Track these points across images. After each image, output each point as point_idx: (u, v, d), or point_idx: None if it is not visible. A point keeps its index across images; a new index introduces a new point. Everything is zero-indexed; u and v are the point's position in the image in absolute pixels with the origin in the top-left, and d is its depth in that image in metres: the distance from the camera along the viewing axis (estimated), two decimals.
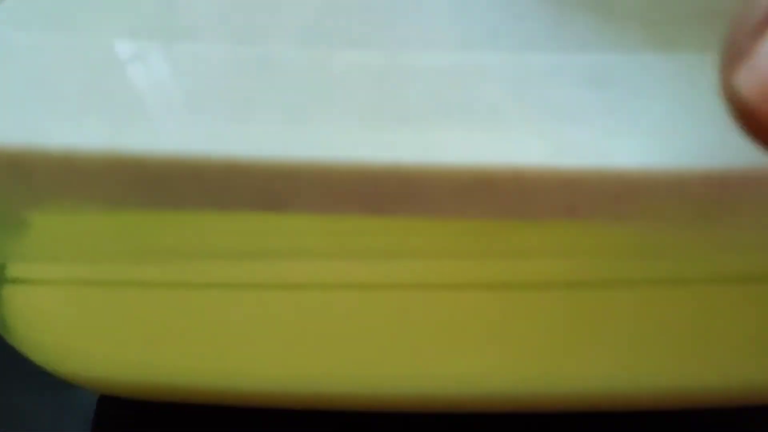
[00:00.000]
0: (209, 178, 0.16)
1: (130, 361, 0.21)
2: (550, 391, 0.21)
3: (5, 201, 0.17)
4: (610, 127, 0.17)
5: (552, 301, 0.19)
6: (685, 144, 0.17)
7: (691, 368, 0.20)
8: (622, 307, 0.20)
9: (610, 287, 0.19)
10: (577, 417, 0.23)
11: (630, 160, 0.16)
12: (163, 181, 0.16)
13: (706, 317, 0.20)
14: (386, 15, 0.20)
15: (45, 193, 0.16)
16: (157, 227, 0.18)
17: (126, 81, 0.17)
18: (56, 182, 0.16)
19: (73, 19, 0.19)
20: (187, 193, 0.16)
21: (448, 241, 0.18)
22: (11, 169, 0.16)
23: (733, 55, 0.14)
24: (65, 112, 0.16)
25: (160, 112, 0.17)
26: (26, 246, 0.18)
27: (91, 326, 0.21)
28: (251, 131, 0.16)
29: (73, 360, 0.22)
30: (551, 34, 0.20)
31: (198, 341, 0.21)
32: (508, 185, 0.16)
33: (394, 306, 0.20)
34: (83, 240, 0.18)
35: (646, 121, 0.17)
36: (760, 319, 0.19)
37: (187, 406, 0.23)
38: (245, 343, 0.21)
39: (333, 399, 0.22)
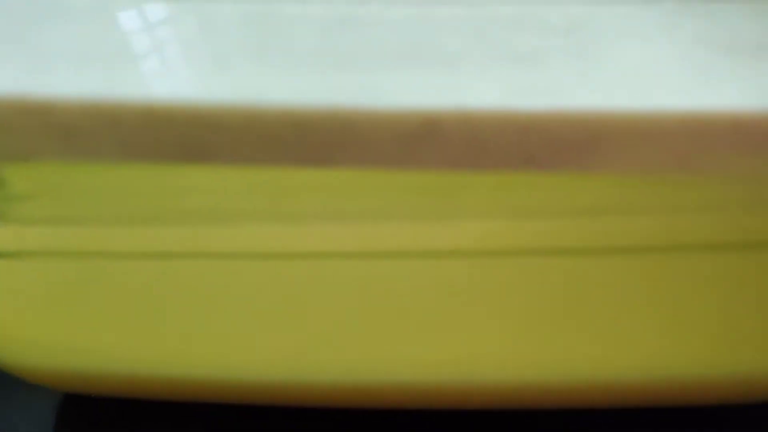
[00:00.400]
0: (126, 125, 0.14)
1: (97, 349, 0.19)
2: (536, 379, 0.19)
3: None
4: (574, 70, 0.15)
5: (523, 271, 0.17)
6: (659, 86, 0.15)
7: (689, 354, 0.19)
8: (605, 277, 0.18)
9: (588, 254, 0.17)
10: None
11: (597, 102, 0.15)
12: (76, 129, 0.14)
13: (701, 289, 0.18)
14: None
15: None
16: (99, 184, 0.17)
17: (39, 29, 0.16)
18: None
19: None
20: (103, 142, 0.14)
21: (400, 200, 0.16)
22: None
23: None
24: None
25: (72, 60, 0.15)
26: None
27: (52, 306, 0.19)
28: (173, 76, 0.15)
29: (32, 350, 0.20)
30: None
31: (167, 320, 0.19)
32: (456, 131, 0.14)
33: (350, 277, 0.18)
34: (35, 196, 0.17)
35: (616, 64, 0.16)
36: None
37: (157, 408, 0.21)
38: (220, 323, 0.19)
39: (315, 392, 0.20)
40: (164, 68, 0.15)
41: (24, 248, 0.18)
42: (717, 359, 0.19)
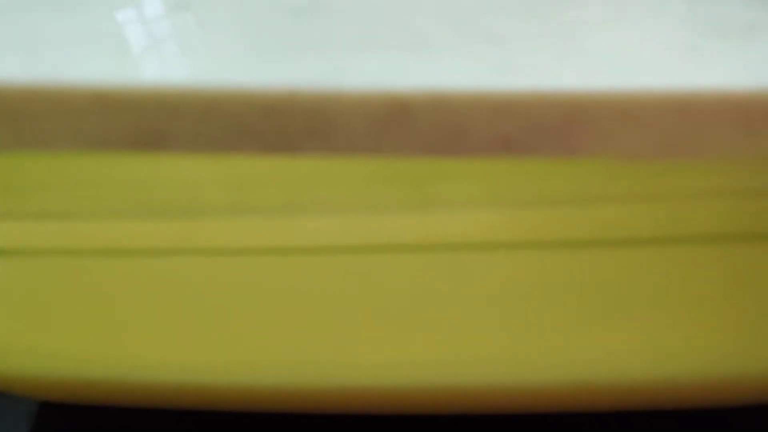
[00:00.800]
0: (77, 110, 0.14)
1: (74, 355, 0.19)
2: (525, 380, 0.18)
3: None
4: (554, 51, 0.15)
5: (510, 264, 0.17)
6: (644, 66, 0.14)
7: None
8: (596, 271, 0.17)
9: (578, 246, 0.17)
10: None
11: (577, 82, 0.14)
12: (23, 116, 0.14)
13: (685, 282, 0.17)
14: None
15: None
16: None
17: None
18: None
19: None
20: (53, 129, 0.14)
21: (370, 188, 0.16)
22: None
23: None
24: None
25: (20, 43, 0.15)
26: None
27: (24, 311, 0.19)
28: (128, 59, 0.14)
29: (5, 357, 0.19)
30: None
31: (145, 324, 0.18)
32: (428, 113, 0.14)
33: (327, 273, 0.17)
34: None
35: (598, 45, 0.15)
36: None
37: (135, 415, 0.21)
38: (197, 325, 0.18)
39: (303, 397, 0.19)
40: (118, 51, 0.14)
41: None
42: (719, 358, 0.18)
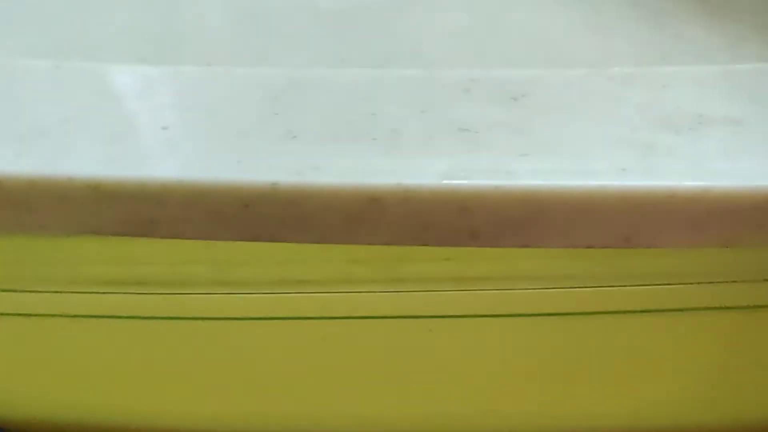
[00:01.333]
0: (72, 201, 0.14)
1: (70, 401, 0.20)
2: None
3: None
4: (519, 147, 0.15)
5: (477, 333, 0.18)
6: (600, 164, 0.15)
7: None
8: (568, 340, 0.18)
9: (527, 317, 0.18)
10: None
11: (537, 181, 0.15)
12: (24, 205, 0.15)
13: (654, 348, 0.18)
14: (310, 32, 0.19)
15: None
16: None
17: None
18: None
19: None
20: (50, 217, 0.15)
21: (346, 268, 0.17)
22: None
23: None
24: None
25: (19, 135, 0.15)
26: None
27: (15, 362, 0.20)
28: (117, 152, 0.15)
29: (9, 403, 0.20)
30: (474, 51, 0.19)
31: (134, 374, 0.20)
32: (399, 209, 0.14)
33: (302, 341, 0.18)
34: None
35: (559, 139, 0.16)
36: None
37: None
38: (179, 378, 0.20)
39: None
40: (110, 143, 0.15)
41: None
42: (691, 411, 0.19)
